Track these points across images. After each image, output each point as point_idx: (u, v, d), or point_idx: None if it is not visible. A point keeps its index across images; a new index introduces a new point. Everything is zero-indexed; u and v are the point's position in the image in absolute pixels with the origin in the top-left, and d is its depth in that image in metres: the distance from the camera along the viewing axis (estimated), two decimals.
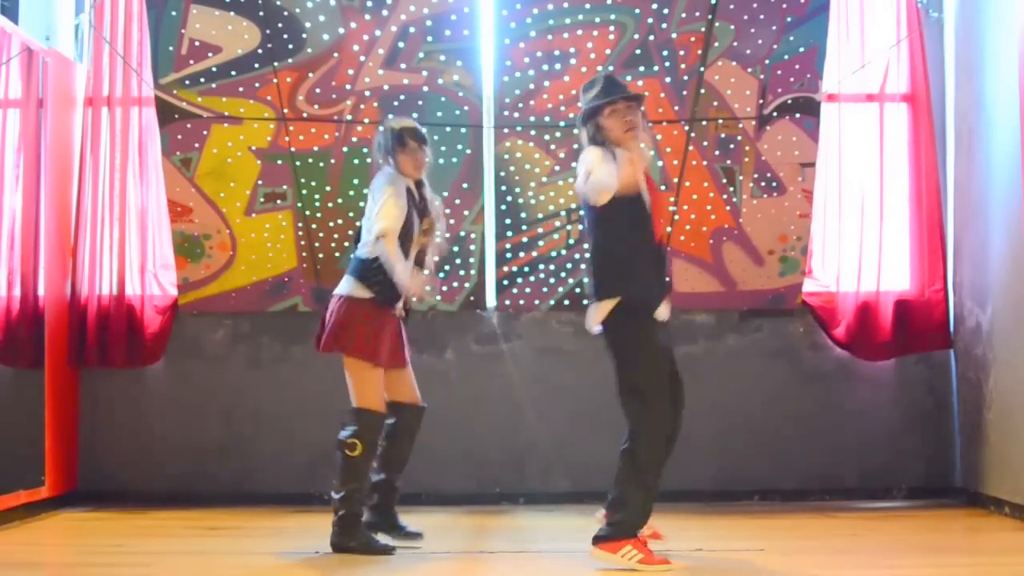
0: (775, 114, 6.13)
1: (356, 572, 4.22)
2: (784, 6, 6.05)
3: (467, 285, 6.25)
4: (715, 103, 6.14)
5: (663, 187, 6.09)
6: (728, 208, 6.18)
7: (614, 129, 4.22)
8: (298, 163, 6.12)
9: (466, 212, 6.22)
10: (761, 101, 6.13)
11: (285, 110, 6.09)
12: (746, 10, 6.05)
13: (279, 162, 6.15)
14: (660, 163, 6.14)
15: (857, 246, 6.21)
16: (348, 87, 6.10)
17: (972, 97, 5.85)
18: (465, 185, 6.19)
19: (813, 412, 6.23)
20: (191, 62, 6.07)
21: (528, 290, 6.26)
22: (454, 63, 6.13)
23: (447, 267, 6.22)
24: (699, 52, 6.08)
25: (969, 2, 5.91)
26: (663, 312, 4.31)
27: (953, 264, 6.15)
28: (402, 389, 4.80)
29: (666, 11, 6.05)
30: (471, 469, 6.20)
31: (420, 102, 6.14)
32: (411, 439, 4.83)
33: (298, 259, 6.20)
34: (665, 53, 6.09)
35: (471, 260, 6.23)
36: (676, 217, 6.14)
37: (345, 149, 6.15)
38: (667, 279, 4.37)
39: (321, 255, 6.15)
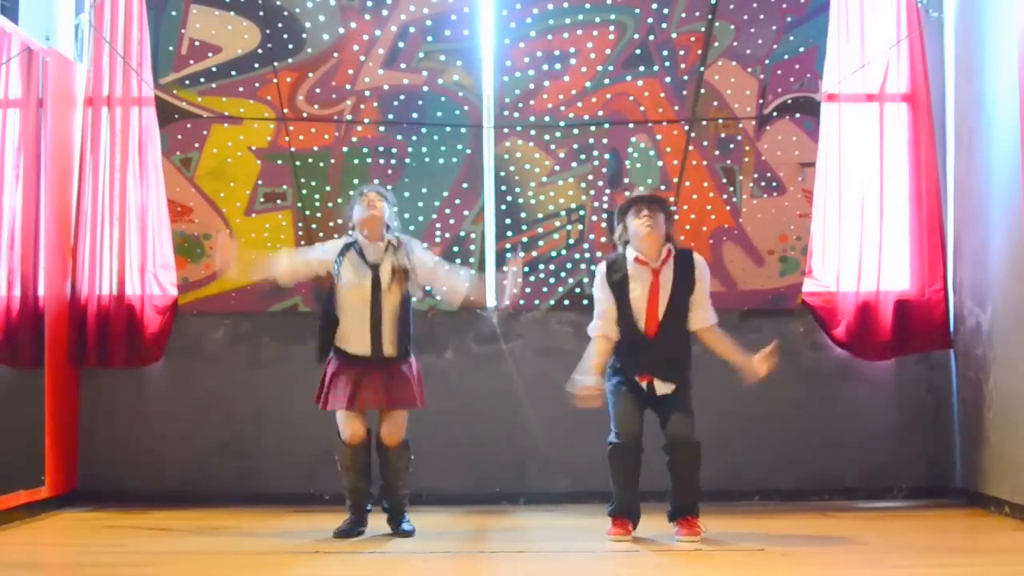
0: (775, 114, 6.13)
1: (356, 571, 4.22)
2: (784, 6, 6.05)
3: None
4: (715, 103, 6.14)
5: (663, 187, 6.09)
6: (728, 208, 6.18)
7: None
8: (298, 163, 6.12)
9: (466, 212, 6.22)
10: (761, 101, 6.13)
11: (285, 110, 6.09)
12: (746, 10, 6.05)
13: (279, 162, 6.15)
14: (660, 163, 6.14)
15: (857, 246, 6.21)
16: (348, 87, 6.10)
17: (972, 97, 5.85)
18: (465, 185, 6.19)
19: (813, 412, 6.24)
20: (191, 62, 6.07)
21: (528, 290, 6.26)
22: (454, 63, 6.13)
23: (447, 267, 6.21)
24: (699, 52, 6.09)
25: (969, 2, 5.91)
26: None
27: (953, 264, 6.15)
28: (389, 431, 5.00)
29: (666, 11, 6.05)
30: (471, 469, 6.21)
31: (420, 102, 6.14)
32: (393, 473, 5.03)
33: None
34: (665, 53, 6.10)
35: (471, 260, 6.23)
36: (676, 217, 6.14)
37: (345, 149, 6.15)
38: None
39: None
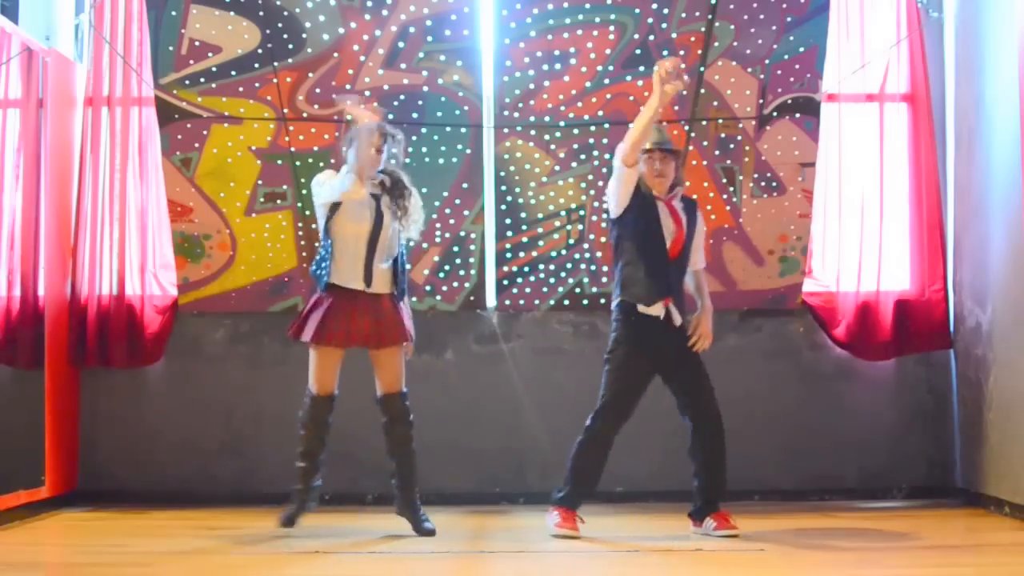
0: (775, 114, 6.13)
1: (355, 571, 4.22)
2: (784, 6, 6.05)
3: (467, 285, 6.25)
4: (715, 103, 6.14)
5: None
6: (728, 208, 6.19)
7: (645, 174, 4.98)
8: (298, 163, 6.13)
9: (466, 212, 6.22)
10: (761, 101, 6.13)
11: (285, 110, 6.10)
12: (746, 10, 6.05)
13: (279, 162, 6.16)
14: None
15: (857, 246, 6.21)
16: (348, 87, 6.10)
17: (972, 97, 5.85)
18: (465, 185, 6.19)
19: (813, 412, 6.24)
20: (191, 62, 6.07)
21: (528, 290, 6.26)
22: (454, 63, 6.13)
23: (447, 267, 6.23)
24: (699, 52, 6.09)
25: (969, 2, 5.91)
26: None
27: (953, 264, 6.15)
28: (384, 374, 4.97)
29: (666, 11, 6.05)
30: (471, 469, 6.21)
31: (420, 102, 6.15)
32: (396, 435, 4.97)
33: (298, 259, 6.20)
34: (665, 53, 6.08)
35: (471, 260, 6.23)
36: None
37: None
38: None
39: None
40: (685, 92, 6.07)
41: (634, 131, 4.86)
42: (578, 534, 4.86)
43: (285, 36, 6.05)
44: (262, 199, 6.16)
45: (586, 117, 6.17)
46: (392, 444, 4.99)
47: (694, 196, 5.31)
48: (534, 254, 6.26)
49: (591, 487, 4.95)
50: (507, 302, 6.28)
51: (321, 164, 6.12)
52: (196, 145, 6.12)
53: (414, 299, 6.21)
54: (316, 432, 4.95)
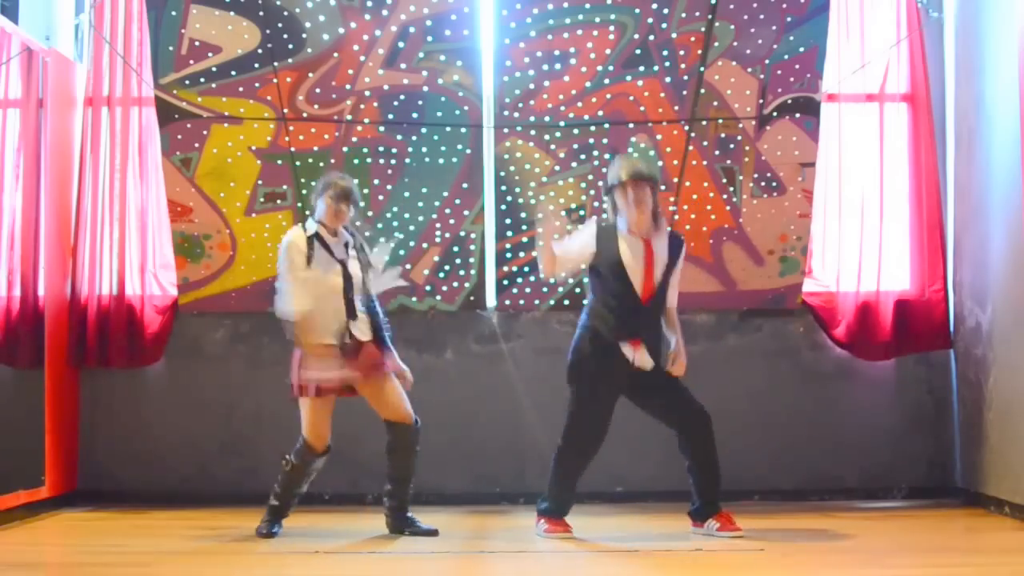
0: (775, 114, 6.13)
1: (355, 571, 4.22)
2: (784, 6, 6.05)
3: (467, 285, 6.25)
4: (715, 103, 6.14)
5: (663, 187, 6.08)
6: (728, 208, 6.18)
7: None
8: (298, 163, 6.12)
9: (466, 212, 6.22)
10: (761, 101, 6.13)
11: (285, 110, 6.09)
12: (746, 10, 6.05)
13: (279, 162, 6.15)
14: (660, 163, 6.14)
15: (857, 246, 6.21)
16: (348, 87, 6.10)
17: (972, 97, 5.85)
18: (465, 185, 6.19)
19: (813, 412, 6.23)
20: (191, 62, 6.07)
21: (528, 290, 6.26)
22: (454, 63, 6.13)
23: (447, 267, 6.23)
24: (699, 52, 6.09)
25: (969, 2, 5.91)
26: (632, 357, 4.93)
27: (953, 264, 6.15)
28: (385, 407, 5.02)
29: (666, 11, 6.05)
30: (471, 469, 6.21)
31: (420, 102, 6.15)
32: (406, 455, 5.02)
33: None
34: (665, 53, 6.10)
35: (471, 260, 6.23)
36: (676, 217, 6.14)
37: (345, 149, 6.15)
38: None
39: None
40: (685, 92, 6.07)
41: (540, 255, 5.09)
42: (570, 534, 4.90)
43: (285, 36, 6.05)
44: (262, 199, 6.16)
45: (586, 117, 6.17)
46: (404, 460, 5.02)
47: (691, 247, 5.28)
48: (534, 254, 6.25)
49: (571, 495, 5.00)
50: (507, 302, 6.28)
51: (321, 164, 6.12)
52: (196, 145, 6.12)
53: (414, 299, 6.22)
54: (303, 481, 5.02)
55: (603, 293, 4.95)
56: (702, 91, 6.11)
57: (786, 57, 6.10)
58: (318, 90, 6.10)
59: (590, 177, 6.20)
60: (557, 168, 6.21)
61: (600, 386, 4.92)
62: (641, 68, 6.11)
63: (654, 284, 4.90)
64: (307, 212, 6.15)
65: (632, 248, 4.91)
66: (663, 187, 6.09)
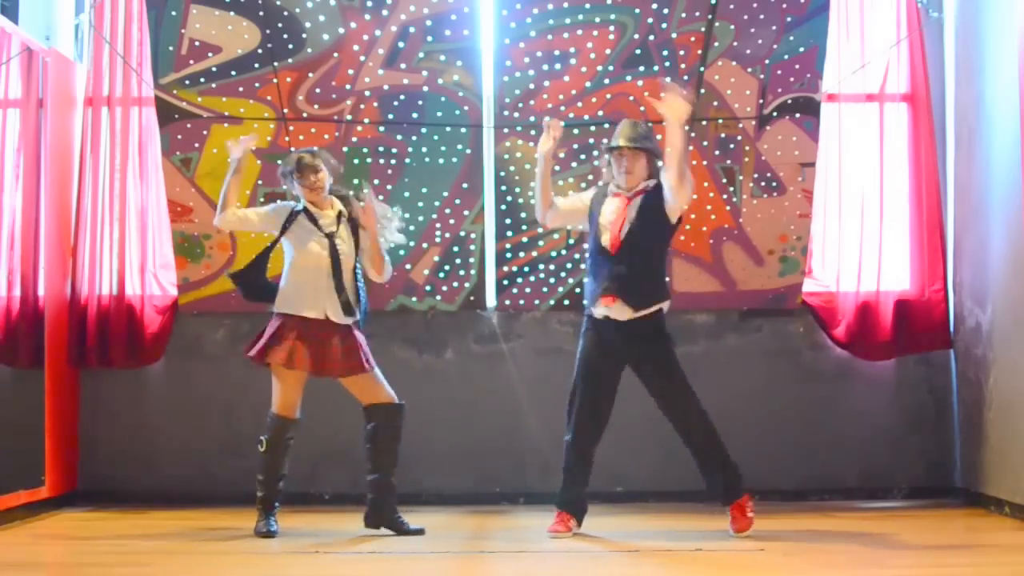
0: (775, 114, 6.13)
1: (355, 571, 4.22)
2: (784, 6, 6.06)
3: (467, 285, 6.25)
4: (715, 103, 6.14)
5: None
6: (728, 208, 6.18)
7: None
8: None
9: (466, 212, 6.22)
10: (761, 101, 6.13)
11: (285, 110, 6.10)
12: (746, 10, 6.05)
13: (279, 162, 6.14)
14: (660, 163, 6.13)
15: (857, 246, 6.21)
16: (348, 87, 6.10)
17: (972, 97, 5.85)
18: (465, 185, 6.19)
19: (813, 412, 6.23)
20: (191, 62, 6.07)
21: (528, 290, 6.26)
22: (454, 63, 6.13)
23: (447, 267, 6.23)
24: (699, 52, 6.09)
25: (969, 2, 5.91)
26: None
27: (953, 264, 6.15)
28: (368, 393, 4.98)
29: (666, 11, 6.05)
30: (471, 469, 6.20)
31: (420, 102, 6.15)
32: (392, 437, 4.97)
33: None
34: (665, 53, 6.10)
35: (471, 260, 6.23)
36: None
37: (345, 149, 6.15)
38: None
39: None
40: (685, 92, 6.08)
41: (535, 192, 5.10)
42: (566, 534, 4.89)
43: (285, 36, 6.05)
44: (262, 199, 6.16)
45: (586, 117, 6.17)
46: (383, 443, 4.97)
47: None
48: (534, 254, 6.26)
49: (579, 489, 4.99)
50: (507, 302, 6.28)
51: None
52: (196, 145, 6.13)
53: (414, 299, 6.21)
54: (280, 456, 4.98)
55: (589, 259, 5.01)
56: (702, 91, 6.11)
57: (786, 57, 6.10)
58: (318, 90, 6.10)
59: (590, 177, 6.19)
60: (557, 168, 6.20)
61: (594, 365, 4.92)
62: (641, 68, 6.11)
63: (620, 236, 4.88)
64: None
65: (611, 206, 4.97)
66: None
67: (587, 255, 5.08)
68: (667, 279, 5.18)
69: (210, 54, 6.07)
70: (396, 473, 5.00)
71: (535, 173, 5.12)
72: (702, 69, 6.10)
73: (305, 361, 4.89)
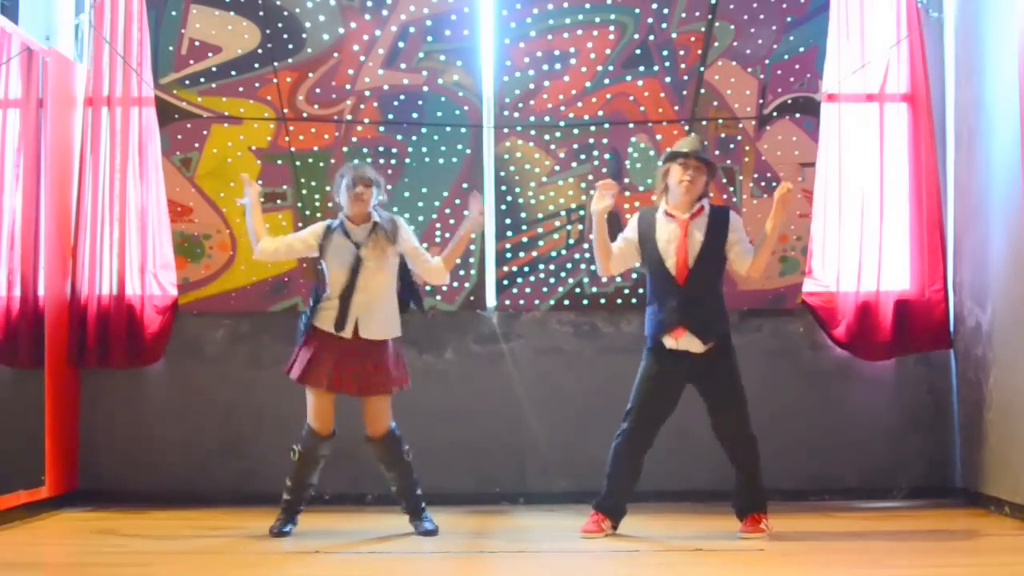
0: (775, 114, 6.13)
1: (355, 571, 4.22)
2: (784, 6, 6.05)
3: (467, 285, 6.25)
4: (715, 103, 6.14)
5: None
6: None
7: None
8: (298, 163, 6.13)
9: (466, 212, 6.21)
10: (761, 101, 6.13)
11: (285, 110, 6.10)
12: (746, 10, 6.05)
13: (279, 162, 6.16)
14: (660, 163, 6.13)
15: (857, 246, 6.21)
16: (348, 87, 6.10)
17: (972, 97, 5.85)
18: (465, 185, 6.19)
19: (813, 412, 6.23)
20: (191, 62, 6.07)
21: (528, 290, 6.26)
22: (454, 63, 6.13)
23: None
24: (699, 52, 6.09)
25: (969, 2, 5.91)
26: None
27: (953, 264, 6.15)
28: (372, 418, 5.02)
29: (666, 11, 6.05)
30: (471, 469, 6.20)
31: (420, 102, 6.15)
32: (387, 466, 5.07)
33: (298, 259, 6.19)
34: (665, 53, 6.10)
35: (471, 260, 6.23)
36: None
37: (345, 149, 6.15)
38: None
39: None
40: (685, 92, 6.08)
41: (594, 251, 5.10)
42: (598, 534, 4.88)
43: (285, 36, 6.05)
44: (262, 199, 6.13)
45: (586, 117, 6.17)
46: (386, 469, 5.08)
47: (726, 207, 5.24)
48: (534, 254, 6.26)
49: (624, 495, 4.98)
50: (507, 302, 6.28)
51: (321, 164, 6.12)
52: (196, 145, 6.12)
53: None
54: (311, 469, 5.04)
55: (650, 285, 4.99)
56: (702, 91, 6.11)
57: (786, 57, 6.09)
58: (318, 90, 6.10)
59: (590, 177, 6.20)
60: (557, 168, 6.21)
61: (658, 374, 4.91)
62: (641, 68, 6.11)
63: (688, 264, 4.88)
64: (306, 212, 6.16)
65: (667, 230, 4.94)
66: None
67: (648, 281, 5.02)
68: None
69: (210, 54, 6.07)
70: (418, 485, 5.12)
71: (592, 235, 5.11)
72: (702, 69, 6.10)
73: (319, 379, 4.91)
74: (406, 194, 6.15)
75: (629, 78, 6.12)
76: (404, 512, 5.11)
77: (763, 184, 6.16)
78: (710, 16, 6.04)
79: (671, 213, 4.95)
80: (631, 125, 6.17)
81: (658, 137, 6.16)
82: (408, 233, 5.14)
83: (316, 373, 4.92)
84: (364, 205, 4.99)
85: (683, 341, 4.88)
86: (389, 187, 6.10)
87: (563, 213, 6.24)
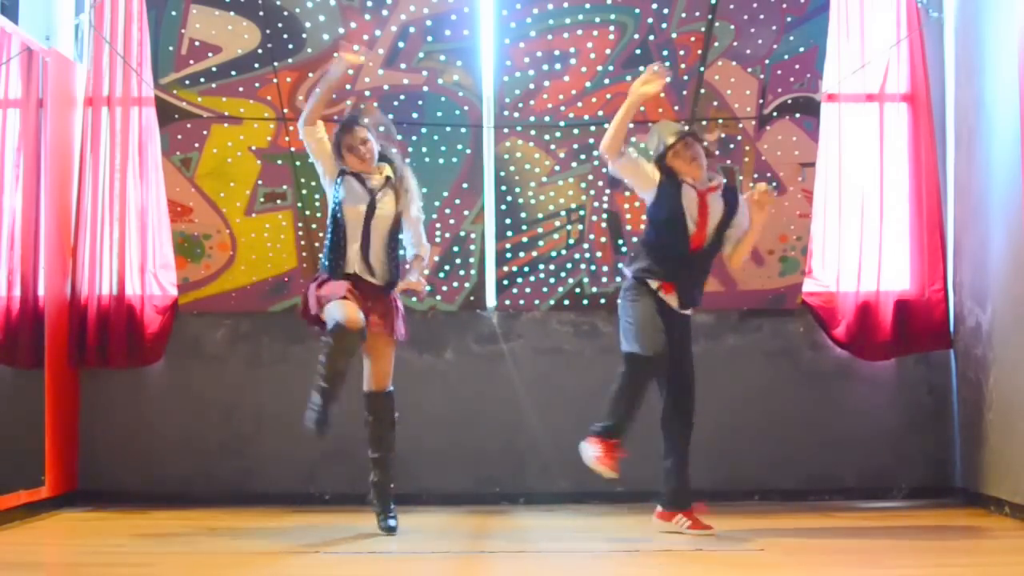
0: (775, 114, 6.13)
1: (355, 571, 4.22)
2: (784, 6, 6.05)
3: (467, 285, 6.25)
4: (715, 103, 6.14)
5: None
6: None
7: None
8: (298, 163, 6.13)
9: (466, 212, 6.22)
10: (761, 101, 6.13)
11: (285, 110, 6.10)
12: (746, 10, 6.05)
13: (279, 162, 6.16)
14: (656, 159, 6.13)
15: (857, 246, 6.21)
16: (348, 87, 6.10)
17: (972, 97, 5.85)
18: (465, 185, 6.19)
19: (813, 412, 6.24)
20: (191, 62, 6.07)
21: (528, 290, 6.26)
22: (454, 63, 6.13)
23: (447, 267, 6.23)
24: (699, 52, 6.09)
25: (969, 2, 5.91)
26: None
27: (953, 264, 6.15)
28: (375, 374, 5.00)
29: (666, 11, 6.05)
30: (471, 469, 6.21)
31: (420, 102, 6.15)
32: (380, 422, 5.01)
33: (298, 259, 6.20)
34: (665, 53, 6.10)
35: (471, 260, 6.23)
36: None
37: None
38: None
39: (321, 255, 6.15)
40: (685, 92, 6.07)
41: (612, 125, 5.02)
42: (615, 474, 4.77)
43: (285, 36, 6.05)
44: (262, 199, 6.17)
45: (586, 117, 6.17)
46: (374, 442, 5.04)
47: (735, 187, 5.31)
48: (534, 254, 6.26)
49: (631, 420, 4.84)
50: (507, 302, 6.28)
51: None
52: (196, 145, 6.13)
53: (414, 299, 6.21)
54: (344, 359, 4.72)
55: (655, 242, 4.99)
56: (702, 91, 6.11)
57: (786, 57, 6.10)
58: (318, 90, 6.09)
59: (590, 177, 6.20)
60: (557, 168, 6.21)
61: (651, 309, 4.91)
62: (641, 68, 6.07)
63: (706, 235, 4.97)
64: (306, 212, 6.16)
65: (688, 195, 4.98)
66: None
67: (651, 228, 5.03)
68: None
69: (210, 54, 6.07)
70: (394, 460, 5.07)
71: (619, 111, 5.00)
72: (702, 69, 6.10)
73: (355, 296, 4.79)
74: None
75: (629, 78, 6.10)
76: (373, 487, 5.04)
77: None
78: (710, 16, 6.04)
79: (688, 183, 5.01)
80: (631, 125, 6.15)
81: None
82: (415, 196, 5.12)
83: (341, 290, 4.77)
84: (368, 162, 5.01)
85: (669, 298, 4.96)
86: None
87: (563, 213, 6.24)
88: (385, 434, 5.04)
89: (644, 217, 5.20)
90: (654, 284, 4.94)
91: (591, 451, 4.78)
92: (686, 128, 5.07)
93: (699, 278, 5.07)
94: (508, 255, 6.25)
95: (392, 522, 5.02)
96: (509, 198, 6.23)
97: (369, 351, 5.01)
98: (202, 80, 6.09)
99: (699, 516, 4.99)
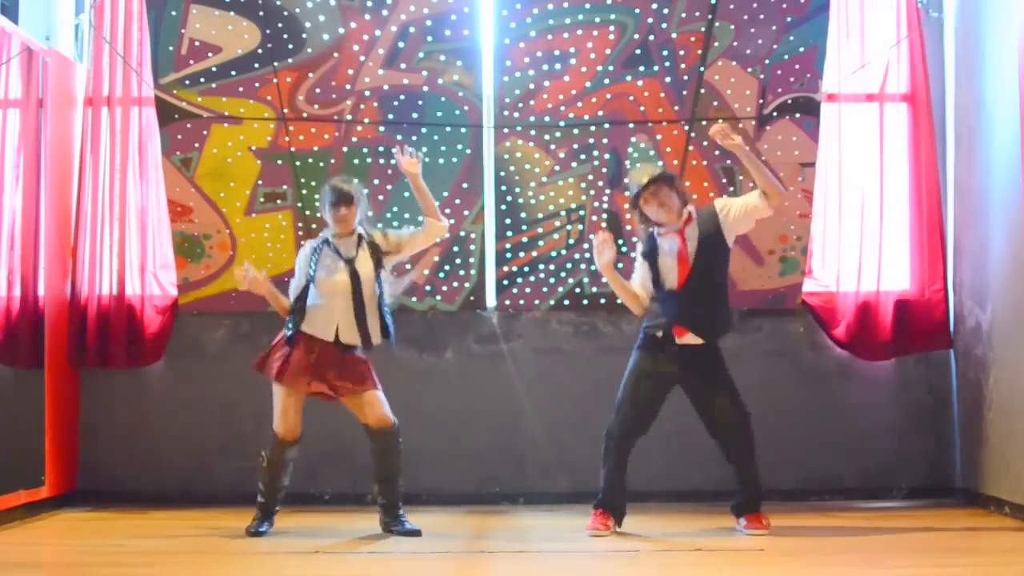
0: (775, 114, 6.13)
1: (355, 571, 4.22)
2: (784, 6, 6.05)
3: (467, 285, 6.25)
4: (715, 103, 6.14)
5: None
6: None
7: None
8: (298, 163, 6.13)
9: (466, 212, 6.22)
10: (761, 101, 6.13)
11: (285, 110, 6.10)
12: (746, 10, 6.05)
13: (279, 162, 6.16)
14: (660, 163, 6.14)
15: (857, 246, 6.21)
16: (348, 87, 6.10)
17: (972, 97, 5.85)
18: (465, 185, 6.19)
19: (813, 412, 6.23)
20: (191, 62, 6.07)
21: (528, 290, 6.26)
22: (454, 63, 6.13)
23: (447, 267, 6.23)
24: (699, 52, 6.09)
25: (969, 2, 5.91)
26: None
27: (953, 264, 6.15)
28: (365, 414, 5.04)
29: (666, 11, 6.05)
30: (471, 469, 6.20)
31: (420, 102, 6.15)
32: (384, 457, 5.04)
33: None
34: (665, 53, 6.10)
35: (471, 260, 6.23)
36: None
37: (345, 149, 6.15)
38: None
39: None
40: (685, 92, 6.07)
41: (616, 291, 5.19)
42: (605, 533, 4.92)
43: (285, 36, 6.05)
44: (262, 199, 6.17)
45: (586, 117, 6.17)
46: (384, 461, 5.05)
47: (711, 205, 5.17)
48: (534, 254, 6.26)
49: (617, 492, 5.02)
50: (507, 302, 6.28)
51: (321, 164, 6.12)
52: (196, 145, 6.12)
53: (414, 299, 6.22)
54: (280, 471, 5.07)
55: (655, 294, 5.06)
56: (702, 91, 6.11)
57: (786, 57, 6.09)
58: (318, 90, 6.10)
59: (590, 177, 6.20)
60: (557, 168, 6.21)
61: (645, 379, 5.00)
62: (641, 68, 6.11)
63: (689, 268, 4.95)
64: (306, 212, 6.16)
65: (668, 244, 5.00)
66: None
67: (653, 287, 5.07)
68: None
69: (210, 54, 6.07)
70: (401, 484, 5.09)
71: (612, 285, 5.16)
72: (702, 69, 6.10)
73: (302, 381, 4.97)
74: (406, 194, 6.13)
75: (629, 78, 6.12)
76: (381, 510, 5.06)
77: None
78: (710, 16, 6.04)
79: (665, 231, 5.01)
80: (631, 125, 6.18)
81: (658, 137, 6.16)
82: (389, 237, 5.17)
83: (294, 374, 4.96)
84: (348, 225, 5.05)
85: (686, 339, 4.97)
86: (389, 187, 6.12)
87: (563, 213, 6.24)
88: (393, 469, 5.06)
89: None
90: (659, 334, 4.98)
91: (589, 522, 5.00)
92: (656, 173, 4.99)
93: (708, 308, 5.00)
94: (508, 255, 6.25)
95: (409, 524, 5.02)
96: (509, 198, 6.23)
97: (353, 409, 5.06)
98: (202, 80, 6.08)
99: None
